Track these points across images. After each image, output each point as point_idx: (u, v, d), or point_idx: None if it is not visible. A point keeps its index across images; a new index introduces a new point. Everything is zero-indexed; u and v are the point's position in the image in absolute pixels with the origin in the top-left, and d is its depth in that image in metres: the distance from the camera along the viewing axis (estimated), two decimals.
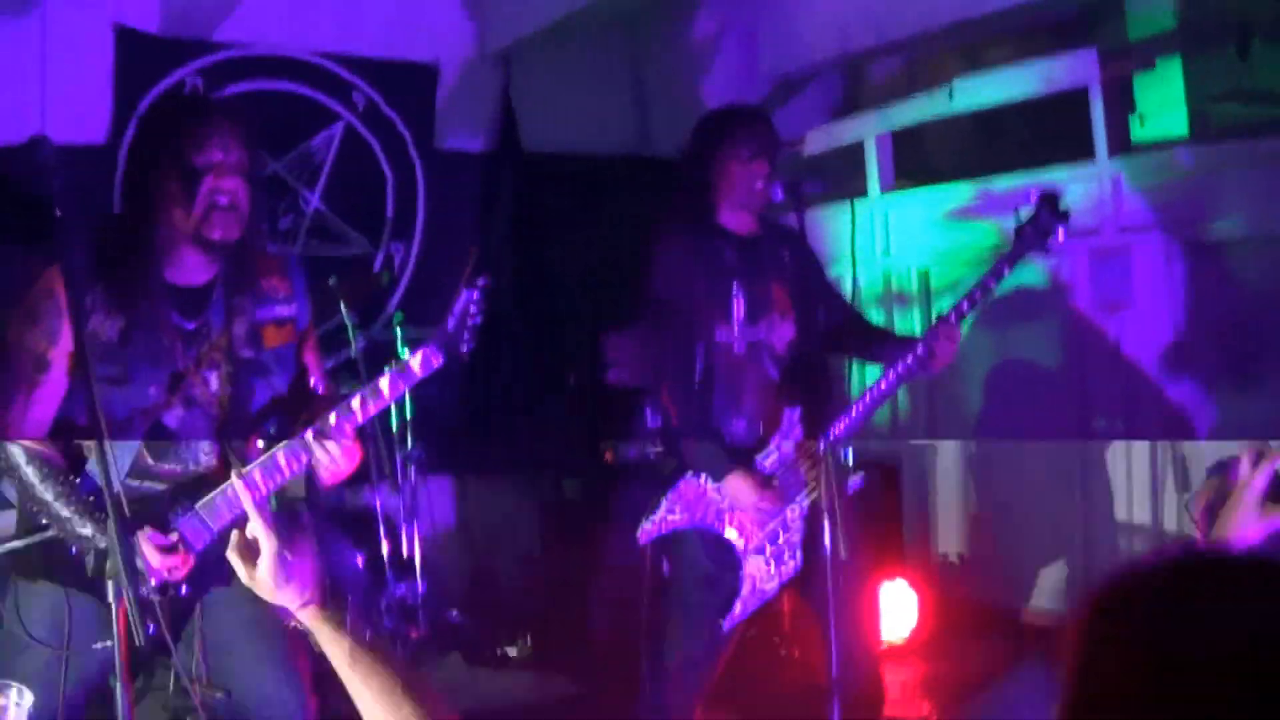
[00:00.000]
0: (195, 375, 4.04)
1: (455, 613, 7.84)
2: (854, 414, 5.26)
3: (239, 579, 2.84)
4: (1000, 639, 7.48)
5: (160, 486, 4.06)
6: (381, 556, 7.50)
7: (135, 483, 4.00)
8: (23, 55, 7.37)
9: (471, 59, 9.13)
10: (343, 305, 7.45)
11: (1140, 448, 7.38)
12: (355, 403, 3.99)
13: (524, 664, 7.52)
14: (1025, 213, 5.32)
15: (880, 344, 5.65)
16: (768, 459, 5.30)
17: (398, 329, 7.79)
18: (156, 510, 3.97)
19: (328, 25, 8.57)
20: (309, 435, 3.97)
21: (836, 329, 5.62)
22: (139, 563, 3.78)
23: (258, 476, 3.96)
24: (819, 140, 9.12)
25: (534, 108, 9.20)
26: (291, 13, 8.41)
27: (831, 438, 5.14)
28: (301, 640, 4.25)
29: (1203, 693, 1.40)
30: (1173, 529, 7.19)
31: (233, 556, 2.82)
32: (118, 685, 3.28)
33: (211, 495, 4.00)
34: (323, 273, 7.65)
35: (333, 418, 3.97)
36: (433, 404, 8.20)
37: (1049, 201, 5.29)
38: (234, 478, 3.88)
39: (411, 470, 7.79)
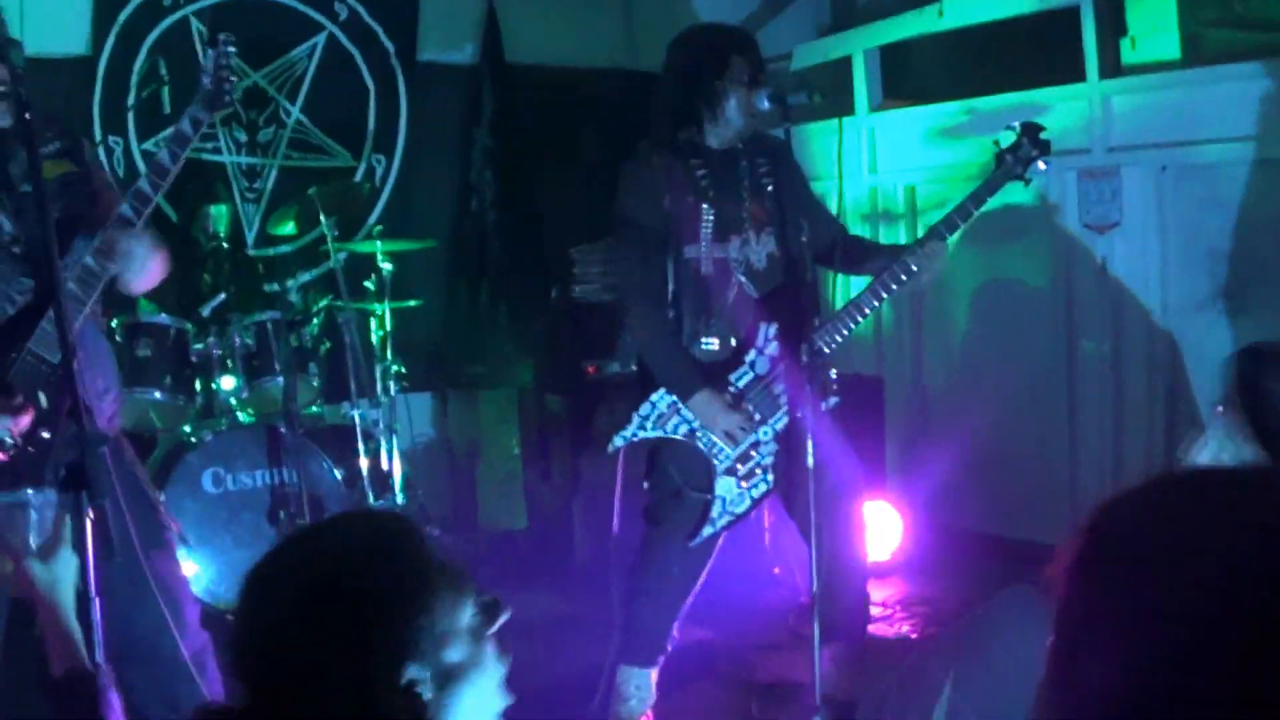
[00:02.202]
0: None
1: (436, 530, 7.82)
2: (835, 327, 5.25)
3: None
4: (984, 561, 7.49)
5: None
6: (361, 472, 7.47)
7: None
8: None
9: None
10: (323, 216, 7.40)
11: (1128, 369, 7.38)
12: (144, 184, 4.22)
13: (508, 581, 7.50)
14: (1006, 139, 5.34)
15: (868, 257, 5.64)
16: (742, 378, 5.28)
17: (378, 241, 7.71)
18: None
19: None
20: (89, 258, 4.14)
21: (823, 243, 5.57)
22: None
23: (75, 288, 4.05)
24: (806, 55, 9.05)
25: (518, 19, 9.09)
26: None
27: (812, 350, 5.09)
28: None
29: (1200, 610, 1.37)
30: (1160, 451, 7.19)
31: None
32: (96, 602, 3.23)
33: (40, 325, 4.02)
34: (304, 184, 7.62)
35: (124, 208, 4.21)
36: (413, 319, 8.17)
37: (1030, 131, 5.34)
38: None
39: (391, 385, 7.75)
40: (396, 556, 2.14)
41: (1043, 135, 5.35)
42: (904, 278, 5.25)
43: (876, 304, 5.34)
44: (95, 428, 3.43)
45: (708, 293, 5.28)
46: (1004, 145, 5.38)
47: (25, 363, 3.96)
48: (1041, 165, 5.37)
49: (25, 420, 3.85)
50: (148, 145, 7.85)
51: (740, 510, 5.35)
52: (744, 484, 5.31)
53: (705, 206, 5.26)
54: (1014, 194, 6.52)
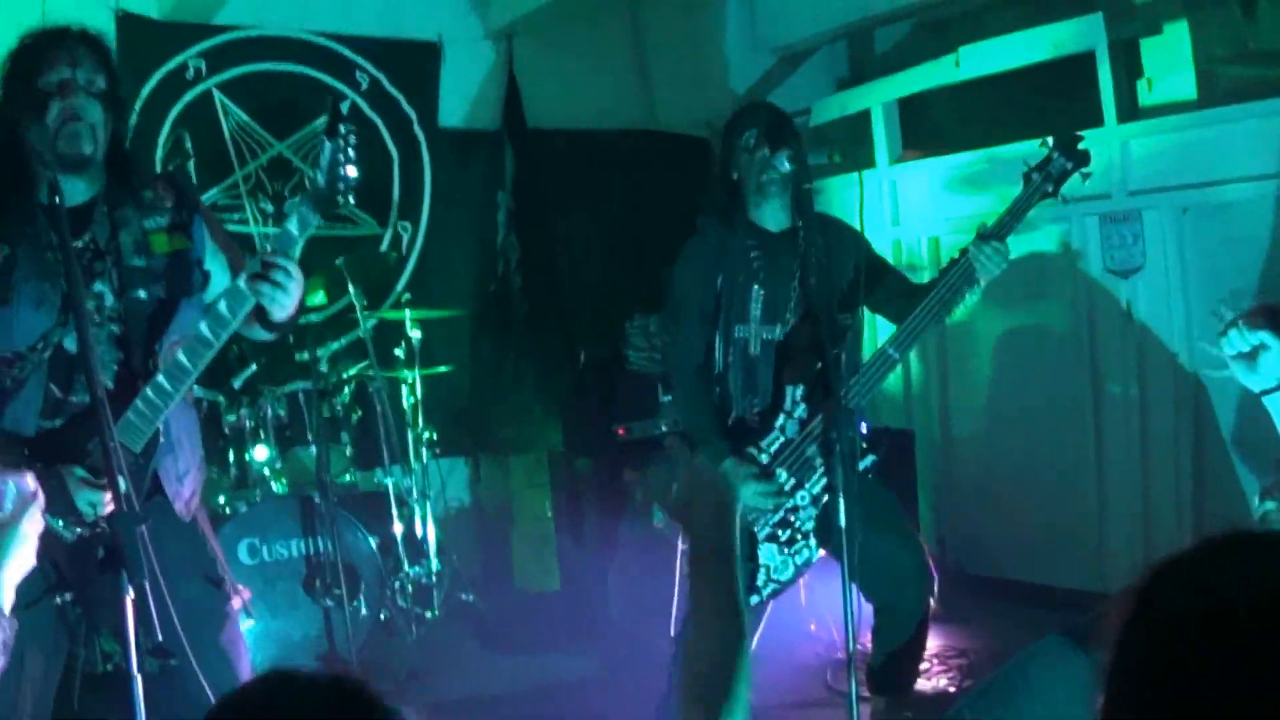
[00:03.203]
0: (86, 289, 3.96)
1: (469, 594, 7.83)
2: (864, 382, 5.24)
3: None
4: (1017, 608, 7.47)
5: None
6: (395, 539, 7.49)
7: (49, 423, 3.96)
8: None
9: (474, 36, 9.10)
10: (351, 285, 7.43)
11: (1154, 412, 7.37)
12: (222, 307, 4.00)
13: (542, 644, 7.49)
14: (1036, 157, 5.19)
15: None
16: (774, 443, 5.29)
17: (406, 308, 7.75)
18: (72, 443, 3.92)
19: (329, 5, 8.58)
20: (241, 282, 3.96)
21: (898, 302, 5.59)
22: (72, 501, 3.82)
23: (184, 358, 3.97)
24: (825, 110, 9.09)
25: (538, 84, 9.17)
26: None
27: (839, 410, 5.06)
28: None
29: (1251, 673, 1.38)
30: (1188, 494, 7.18)
31: None
32: (136, 679, 3.25)
33: (125, 414, 3.91)
34: (330, 253, 7.64)
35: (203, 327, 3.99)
36: (443, 384, 8.21)
37: (1064, 142, 5.16)
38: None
39: (423, 451, 7.78)
40: None
41: (1081, 145, 5.15)
42: (963, 279, 5.20)
43: (921, 331, 5.29)
44: (135, 510, 3.43)
45: (755, 372, 5.33)
46: (1032, 164, 5.20)
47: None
48: (1083, 180, 5.21)
49: (109, 496, 3.86)
50: None
51: (785, 578, 5.37)
52: (786, 549, 5.32)
53: (756, 288, 5.32)
54: (1037, 241, 6.53)
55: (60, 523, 3.83)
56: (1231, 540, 1.55)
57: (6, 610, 3.11)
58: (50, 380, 3.95)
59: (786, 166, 5.19)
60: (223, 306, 3.98)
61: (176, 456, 4.22)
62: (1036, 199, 5.19)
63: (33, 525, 3.21)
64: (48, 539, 3.80)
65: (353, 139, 4.06)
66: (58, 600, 3.86)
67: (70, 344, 3.94)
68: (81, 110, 3.93)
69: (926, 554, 5.58)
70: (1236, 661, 1.39)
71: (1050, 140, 5.20)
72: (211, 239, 4.30)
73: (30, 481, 3.24)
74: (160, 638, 3.35)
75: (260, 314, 4.06)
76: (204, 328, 3.99)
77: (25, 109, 3.94)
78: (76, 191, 4.05)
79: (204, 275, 4.25)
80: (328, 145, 4.05)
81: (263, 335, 4.37)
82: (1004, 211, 5.23)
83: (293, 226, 4.03)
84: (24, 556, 3.19)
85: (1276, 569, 1.48)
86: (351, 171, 4.03)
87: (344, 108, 8.39)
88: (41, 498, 3.24)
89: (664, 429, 7.44)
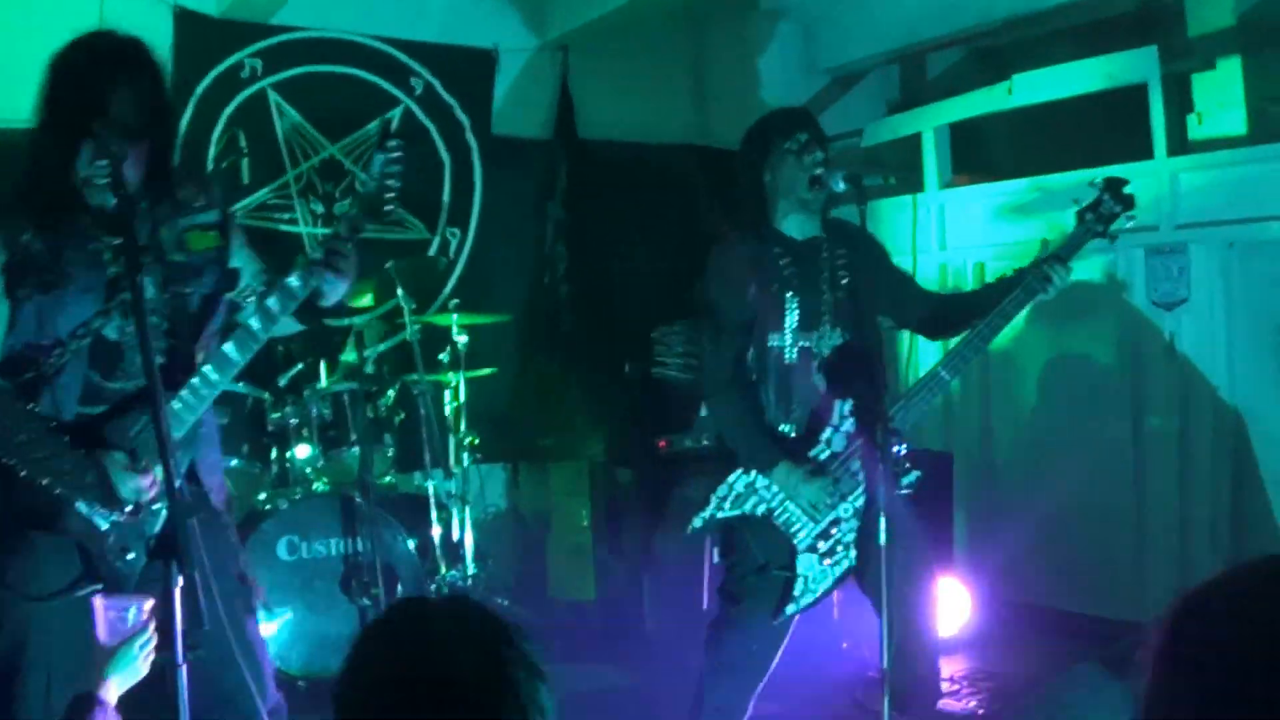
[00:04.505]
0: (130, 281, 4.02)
1: (505, 600, 7.86)
2: (914, 402, 5.29)
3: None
4: (1051, 636, 7.48)
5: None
6: (433, 541, 7.53)
7: (88, 409, 4.01)
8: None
9: (530, 46, 9.16)
10: (399, 289, 7.48)
11: (1195, 446, 7.37)
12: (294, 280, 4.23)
13: (576, 653, 7.51)
14: (1087, 197, 5.29)
15: (981, 300, 5.54)
16: (820, 455, 5.30)
17: (453, 314, 7.79)
18: (113, 430, 3.98)
19: (387, 10, 8.63)
20: (293, 280, 4.20)
21: (925, 315, 5.67)
22: (114, 489, 3.86)
23: (229, 348, 4.13)
24: (876, 133, 9.12)
25: (591, 95, 9.22)
26: None
27: (886, 428, 5.10)
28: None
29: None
30: (1226, 528, 7.18)
31: None
32: (182, 670, 3.29)
33: (171, 403, 3.99)
34: (380, 257, 7.68)
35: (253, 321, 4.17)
36: (486, 390, 8.24)
37: (1112, 186, 5.27)
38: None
39: (464, 456, 7.82)
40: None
41: (1126, 189, 5.27)
42: (1012, 311, 5.25)
43: (973, 355, 5.33)
44: (186, 499, 3.49)
45: (790, 381, 5.32)
46: (1084, 204, 5.31)
47: (150, 433, 3.96)
48: (1128, 221, 5.29)
49: (148, 482, 3.90)
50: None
51: (823, 588, 5.35)
52: (826, 561, 5.31)
53: (789, 295, 5.31)
54: (1082, 270, 6.54)
55: (95, 510, 3.88)
56: (1258, 568, 1.57)
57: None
58: (90, 367, 4.01)
59: (841, 186, 5.22)
60: (273, 302, 4.11)
61: (211, 449, 4.31)
62: (1089, 238, 5.30)
63: (147, 651, 3.36)
64: (80, 526, 3.86)
65: (400, 154, 4.33)
66: (85, 591, 3.89)
67: (111, 332, 4.03)
68: (103, 171, 3.90)
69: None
70: (1265, 686, 1.41)
71: (1099, 181, 5.31)
72: (236, 239, 4.43)
73: (149, 606, 3.34)
74: (208, 626, 3.39)
75: (306, 300, 4.23)
76: (254, 322, 4.10)
77: (67, 131, 3.98)
78: None
79: (234, 273, 4.36)
80: (377, 157, 4.32)
81: (294, 327, 4.55)
82: (1061, 245, 5.32)
83: (344, 229, 4.31)
84: (133, 674, 3.40)
85: None
86: (397, 183, 4.31)
87: (397, 113, 8.50)
88: (154, 625, 3.37)
89: (705, 442, 7.47)
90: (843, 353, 5.37)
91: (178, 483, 3.44)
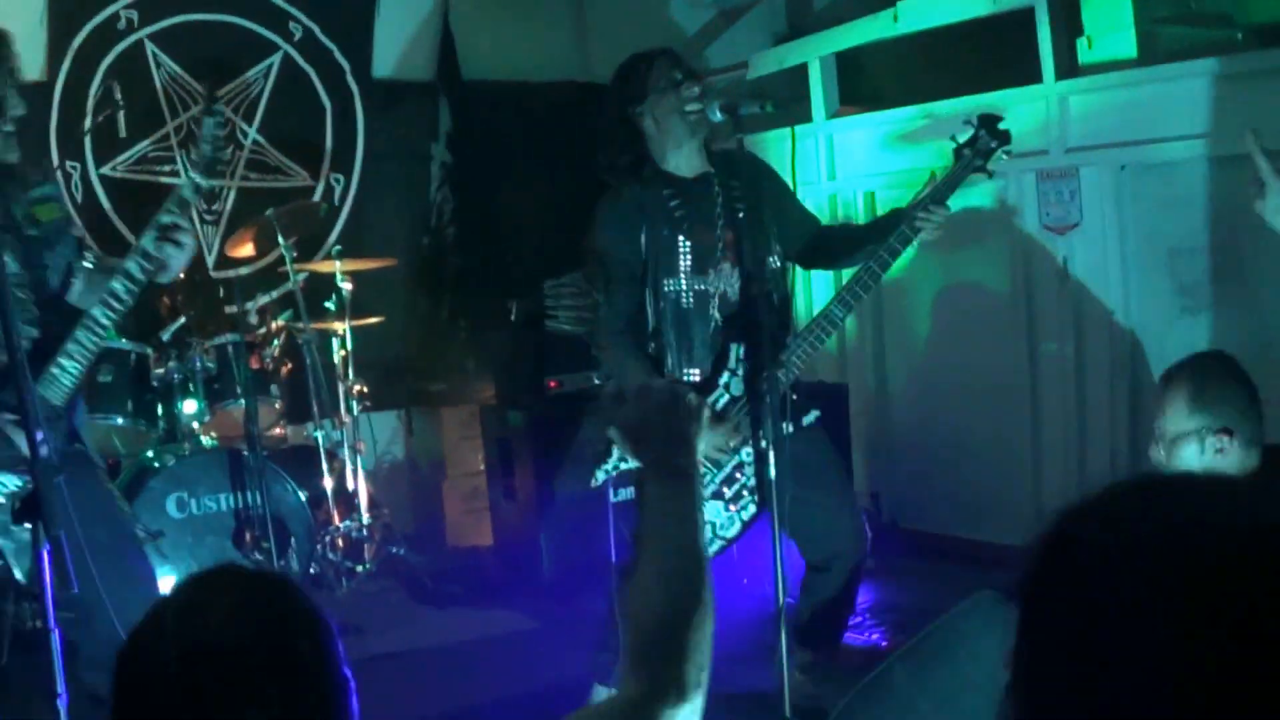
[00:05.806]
0: None
1: (401, 548, 7.79)
2: (805, 341, 5.25)
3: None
4: (951, 565, 7.50)
5: None
6: (325, 492, 7.45)
7: None
8: None
9: None
10: (281, 237, 7.35)
11: (1091, 370, 7.39)
12: (131, 265, 4.30)
13: (476, 599, 7.46)
14: (964, 135, 5.33)
15: (853, 245, 5.60)
16: (719, 400, 5.26)
17: (337, 260, 7.67)
18: None
19: None
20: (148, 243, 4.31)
21: (799, 248, 5.60)
22: None
23: (98, 312, 4.19)
24: (763, 64, 9.05)
25: (473, 35, 9.09)
26: None
27: (779, 367, 5.08)
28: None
29: (1167, 618, 1.35)
30: (1124, 451, 7.20)
31: None
32: (54, 632, 3.21)
33: (47, 367, 4.04)
34: (262, 205, 7.57)
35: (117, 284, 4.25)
36: (374, 337, 8.14)
37: (988, 122, 5.33)
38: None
39: (354, 405, 7.72)
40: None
41: (1001, 125, 5.32)
42: (900, 248, 5.27)
43: (864, 292, 5.32)
44: (52, 460, 3.40)
45: (689, 325, 5.29)
46: (961, 140, 5.36)
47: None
48: (1004, 155, 5.36)
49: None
50: (105, 170, 7.83)
51: (731, 534, 5.34)
52: (732, 507, 5.29)
53: (681, 238, 5.26)
54: (973, 196, 6.53)
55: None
56: (1135, 483, 1.52)
57: None
58: None
59: (718, 116, 5.17)
60: (133, 266, 4.11)
61: (85, 407, 4.32)
62: (968, 173, 5.36)
63: None
64: None
65: (223, 118, 4.60)
66: None
67: None
68: None
69: (863, 516, 5.61)
70: (1144, 597, 1.36)
71: (974, 118, 5.38)
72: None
73: None
74: (76, 589, 3.31)
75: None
76: (118, 286, 4.11)
77: None
78: None
79: (81, 240, 4.44)
80: (208, 121, 4.52)
81: None
82: (940, 181, 5.36)
83: (188, 193, 4.42)
84: None
85: (1178, 504, 1.46)
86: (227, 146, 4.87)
87: (277, 59, 8.37)
88: None
89: (596, 381, 7.42)
90: (740, 292, 5.32)
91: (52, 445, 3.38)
